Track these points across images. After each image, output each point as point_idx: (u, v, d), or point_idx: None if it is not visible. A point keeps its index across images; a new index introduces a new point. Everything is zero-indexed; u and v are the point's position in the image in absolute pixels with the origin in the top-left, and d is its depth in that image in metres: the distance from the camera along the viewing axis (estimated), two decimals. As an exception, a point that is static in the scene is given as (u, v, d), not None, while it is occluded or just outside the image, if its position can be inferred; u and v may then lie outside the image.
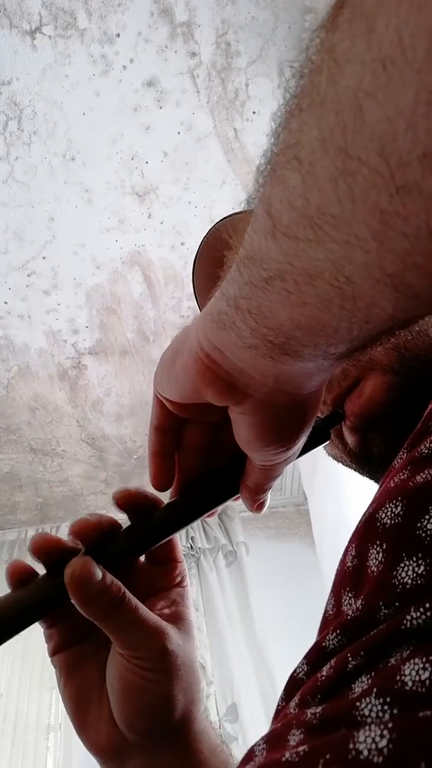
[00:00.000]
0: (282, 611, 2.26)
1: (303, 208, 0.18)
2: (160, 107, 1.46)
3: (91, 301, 1.86)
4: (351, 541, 0.27)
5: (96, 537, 0.36)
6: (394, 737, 0.16)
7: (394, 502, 0.25)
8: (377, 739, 0.16)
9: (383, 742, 0.16)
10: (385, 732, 0.16)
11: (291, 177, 0.19)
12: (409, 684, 0.17)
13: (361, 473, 0.50)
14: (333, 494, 1.74)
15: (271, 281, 0.21)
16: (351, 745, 0.16)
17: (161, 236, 1.72)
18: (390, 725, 0.16)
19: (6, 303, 1.83)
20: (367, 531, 0.25)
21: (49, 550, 0.36)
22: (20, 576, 0.35)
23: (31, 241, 1.68)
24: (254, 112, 1.50)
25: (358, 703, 0.18)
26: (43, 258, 1.72)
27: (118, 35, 1.32)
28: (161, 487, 0.37)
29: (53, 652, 0.41)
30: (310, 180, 0.18)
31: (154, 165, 1.56)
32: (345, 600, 0.25)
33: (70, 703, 0.40)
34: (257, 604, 2.27)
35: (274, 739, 0.21)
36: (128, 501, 0.37)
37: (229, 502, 0.37)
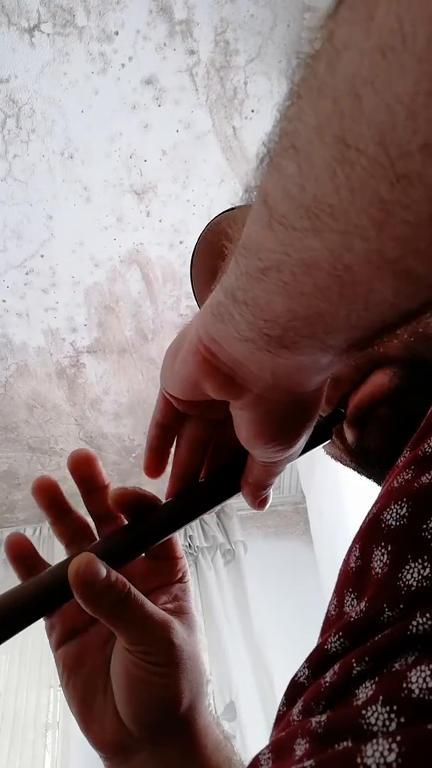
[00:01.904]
0: (280, 610, 2.26)
1: (299, 197, 0.18)
2: (159, 105, 1.45)
3: (89, 300, 1.86)
4: (355, 542, 0.27)
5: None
6: (402, 751, 0.15)
7: (400, 503, 0.24)
8: (385, 753, 0.15)
9: (392, 756, 0.15)
10: (394, 745, 0.15)
11: (287, 166, 0.18)
12: (416, 692, 0.17)
13: (360, 473, 0.50)
14: (331, 493, 1.74)
15: (266, 272, 0.21)
16: (359, 760, 0.16)
17: (160, 234, 1.72)
18: (398, 738, 0.16)
19: (4, 301, 1.82)
20: (371, 532, 0.25)
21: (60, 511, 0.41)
22: (18, 551, 0.38)
23: (30, 239, 1.67)
24: (253, 111, 1.50)
25: (363, 711, 0.18)
26: (42, 256, 1.72)
27: (116, 33, 1.32)
28: (153, 475, 0.38)
29: (56, 646, 0.41)
30: (307, 169, 0.18)
31: (152, 163, 1.56)
32: (347, 601, 0.25)
33: (74, 698, 0.39)
34: (255, 603, 2.27)
35: (279, 749, 0.21)
36: (124, 501, 0.37)
37: (230, 500, 0.37)
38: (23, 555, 0.40)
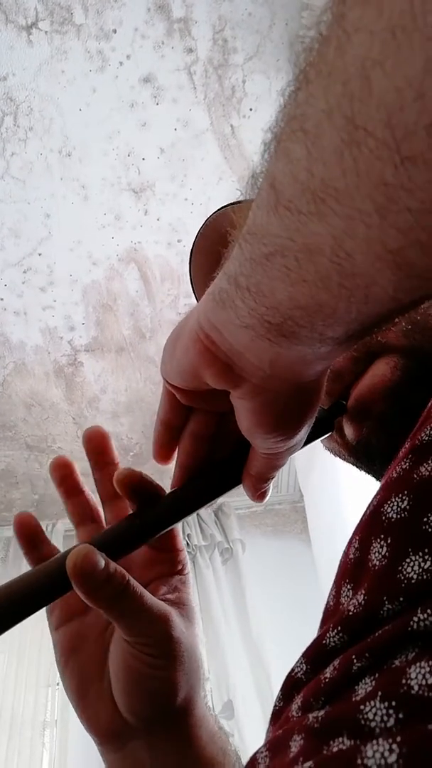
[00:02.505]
0: (278, 608, 2.26)
1: (307, 180, 0.18)
2: (157, 103, 1.45)
3: (87, 298, 1.86)
4: (355, 533, 0.27)
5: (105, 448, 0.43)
6: (404, 752, 0.15)
7: (400, 495, 0.24)
8: (386, 753, 0.15)
9: (392, 757, 0.15)
10: (394, 746, 0.15)
11: (295, 149, 0.18)
12: (416, 688, 0.17)
13: (359, 468, 0.49)
14: (329, 492, 1.74)
15: (271, 257, 0.21)
16: (359, 761, 0.16)
17: (157, 233, 1.72)
18: (399, 738, 0.15)
19: (2, 300, 1.82)
20: (371, 524, 0.25)
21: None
22: (27, 533, 0.41)
23: (27, 237, 1.67)
24: (251, 109, 1.50)
25: (362, 707, 0.18)
26: (39, 254, 1.72)
27: (114, 31, 1.32)
28: (164, 462, 0.39)
29: (56, 626, 0.41)
30: (315, 152, 0.18)
31: (150, 161, 1.56)
32: (344, 592, 0.25)
33: (71, 683, 0.40)
34: (253, 601, 2.27)
35: (276, 746, 0.21)
36: (129, 483, 0.36)
37: (230, 497, 0.37)
38: (30, 533, 0.42)
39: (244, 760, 0.42)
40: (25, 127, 1.45)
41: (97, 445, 0.43)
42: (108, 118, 1.45)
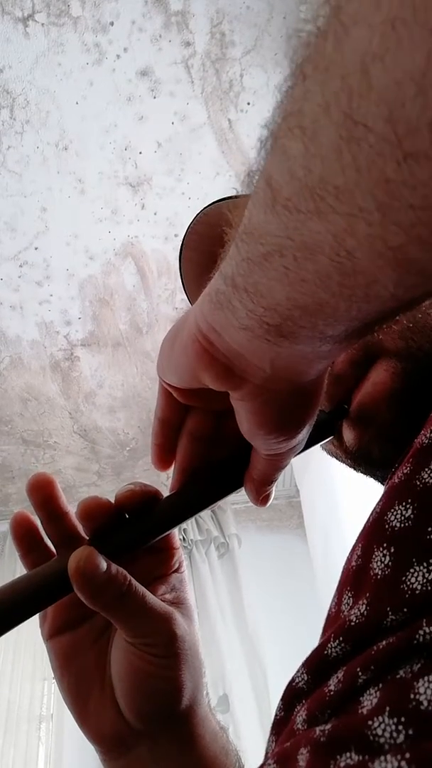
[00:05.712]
0: (273, 603, 2.27)
1: (305, 178, 0.18)
2: (154, 97, 1.44)
3: (83, 293, 1.85)
4: (358, 540, 0.26)
5: (104, 518, 0.35)
6: None
7: (404, 504, 0.24)
8: None
9: None
10: (404, 763, 0.15)
11: (293, 146, 0.18)
12: (425, 704, 0.17)
13: (356, 470, 0.49)
14: (325, 487, 1.75)
15: (269, 257, 0.20)
16: None
17: (154, 227, 1.71)
18: (407, 755, 0.15)
19: (-2, 294, 1.82)
20: (374, 531, 0.25)
21: (59, 528, 0.38)
22: (22, 532, 0.38)
23: (23, 231, 1.66)
24: (249, 103, 1.49)
25: (370, 722, 0.17)
26: (36, 249, 1.71)
27: (111, 24, 1.31)
28: (162, 469, 0.37)
29: (48, 636, 0.40)
30: (313, 148, 0.17)
31: (147, 155, 1.55)
32: (344, 600, 0.25)
33: (69, 693, 0.39)
34: (249, 596, 2.28)
35: (283, 759, 0.21)
36: (131, 501, 0.36)
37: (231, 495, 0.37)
38: (27, 535, 0.39)
39: (243, 757, 0.42)
40: (22, 120, 1.44)
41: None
42: (105, 111, 1.45)
